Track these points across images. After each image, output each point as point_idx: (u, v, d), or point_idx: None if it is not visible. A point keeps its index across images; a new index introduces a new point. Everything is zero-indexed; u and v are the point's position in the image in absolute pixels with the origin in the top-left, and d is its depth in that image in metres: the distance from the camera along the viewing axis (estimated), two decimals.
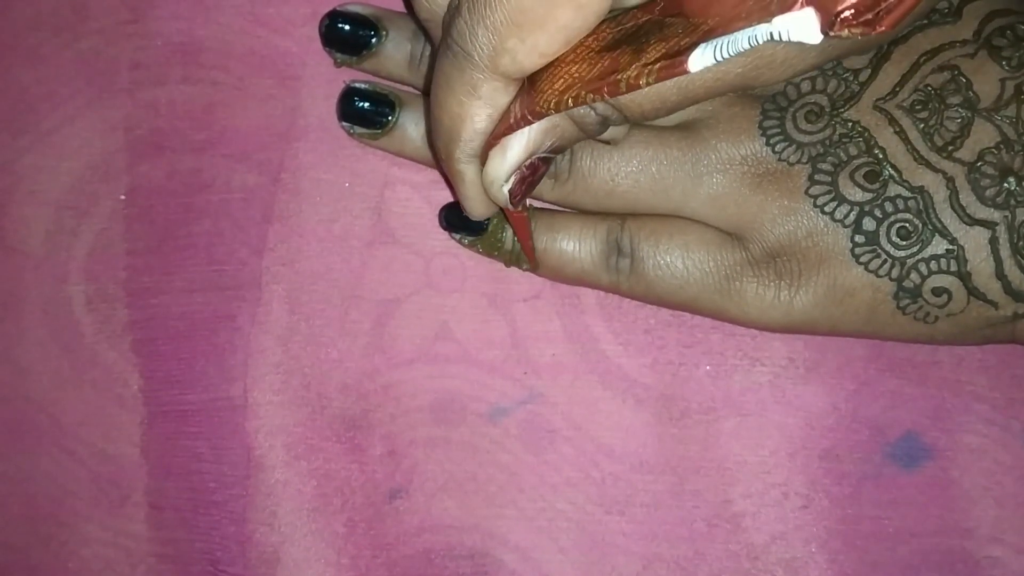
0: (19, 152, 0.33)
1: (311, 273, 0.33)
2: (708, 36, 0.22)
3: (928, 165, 0.27)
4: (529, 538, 0.32)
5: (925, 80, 0.28)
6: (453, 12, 0.24)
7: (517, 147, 0.25)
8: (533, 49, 0.24)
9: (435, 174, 0.32)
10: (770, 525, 0.31)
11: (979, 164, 0.27)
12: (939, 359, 0.31)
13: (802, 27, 0.20)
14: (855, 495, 0.31)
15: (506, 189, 0.26)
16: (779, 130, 0.28)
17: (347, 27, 0.31)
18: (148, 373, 0.33)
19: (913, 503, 0.31)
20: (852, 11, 0.20)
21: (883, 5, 0.20)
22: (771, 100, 0.29)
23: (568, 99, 0.23)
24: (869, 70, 0.28)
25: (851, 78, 0.28)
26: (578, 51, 0.24)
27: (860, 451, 0.31)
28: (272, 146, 0.33)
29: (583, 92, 0.23)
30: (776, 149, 0.28)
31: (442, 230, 0.32)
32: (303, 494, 0.32)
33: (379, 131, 0.31)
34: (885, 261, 0.28)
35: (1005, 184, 0.27)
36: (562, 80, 0.24)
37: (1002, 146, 0.27)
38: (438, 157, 0.28)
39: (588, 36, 0.24)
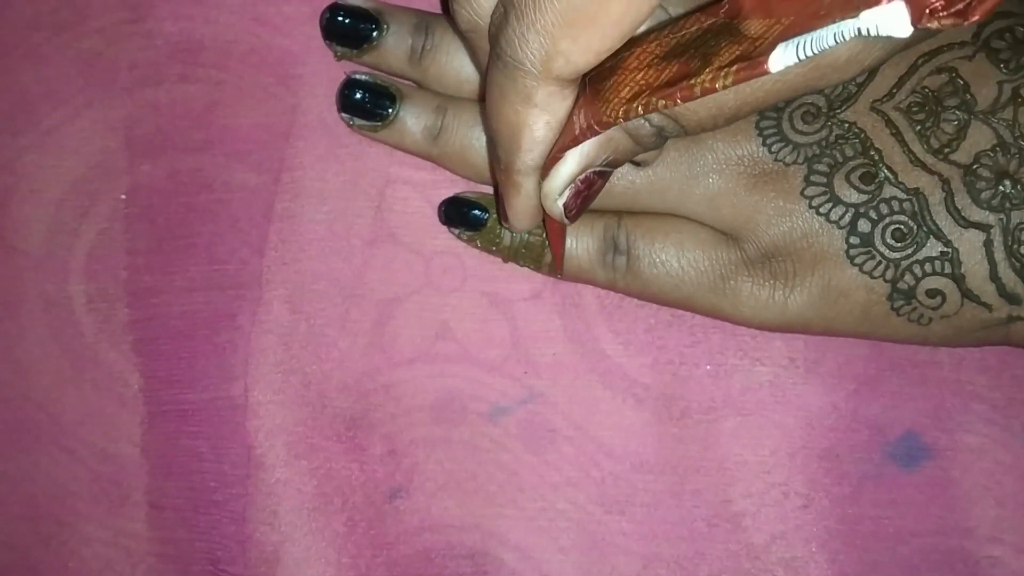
0: (19, 151, 0.33)
1: (312, 272, 0.33)
2: (786, 35, 0.21)
3: (924, 167, 0.27)
4: (529, 538, 0.32)
5: (923, 82, 0.28)
6: (500, 21, 0.24)
7: (571, 160, 0.25)
8: (587, 48, 0.23)
9: (435, 174, 0.32)
10: (770, 525, 0.31)
11: (975, 167, 0.27)
12: (939, 359, 0.31)
13: (892, 20, 0.20)
14: (855, 495, 0.31)
15: (560, 203, 0.26)
16: (776, 130, 0.28)
17: (347, 20, 0.31)
18: (148, 373, 0.33)
19: (913, 503, 0.31)
20: (943, 1, 0.19)
21: None
22: None
23: (638, 106, 0.23)
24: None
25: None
26: (642, 57, 0.24)
27: (860, 451, 0.31)
28: (273, 145, 0.33)
29: (654, 99, 0.22)
30: (772, 149, 0.28)
31: (443, 229, 0.32)
32: (303, 493, 0.32)
33: (378, 124, 0.31)
34: (879, 263, 0.28)
35: (1001, 187, 0.27)
36: (628, 88, 0.23)
37: (998, 149, 0.27)
38: (496, 168, 0.27)
39: (651, 42, 0.24)
